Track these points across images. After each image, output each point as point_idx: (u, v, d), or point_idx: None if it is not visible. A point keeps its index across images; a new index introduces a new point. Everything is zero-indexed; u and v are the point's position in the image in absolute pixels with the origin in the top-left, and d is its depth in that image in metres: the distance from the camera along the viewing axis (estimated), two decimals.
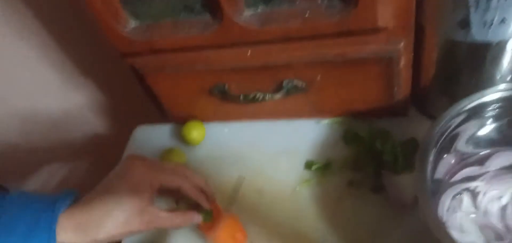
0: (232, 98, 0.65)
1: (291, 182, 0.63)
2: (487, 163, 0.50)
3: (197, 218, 0.54)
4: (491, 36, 0.47)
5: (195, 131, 0.70)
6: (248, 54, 0.58)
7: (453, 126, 0.48)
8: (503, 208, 0.48)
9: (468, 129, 0.49)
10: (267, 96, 0.63)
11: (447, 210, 0.49)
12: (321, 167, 0.63)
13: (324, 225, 0.58)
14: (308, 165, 0.64)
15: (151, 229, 0.50)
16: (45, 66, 0.90)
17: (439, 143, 0.47)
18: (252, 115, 0.71)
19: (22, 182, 1.05)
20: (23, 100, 0.93)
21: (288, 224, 0.59)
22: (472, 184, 0.50)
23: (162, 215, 0.50)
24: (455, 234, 0.46)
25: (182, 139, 0.72)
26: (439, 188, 0.49)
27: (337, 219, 0.58)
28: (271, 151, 0.68)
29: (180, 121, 0.74)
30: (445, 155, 0.49)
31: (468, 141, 0.50)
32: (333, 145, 0.65)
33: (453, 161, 0.50)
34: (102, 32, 0.57)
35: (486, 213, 0.48)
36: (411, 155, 0.58)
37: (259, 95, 0.63)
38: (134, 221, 0.47)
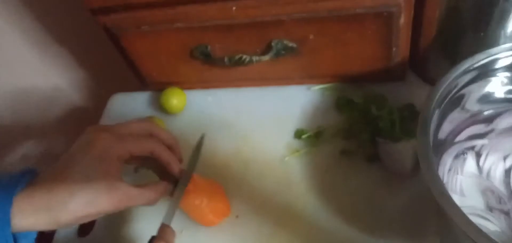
0: (216, 61, 0.60)
1: (280, 152, 0.59)
2: (496, 121, 0.46)
3: (169, 190, 0.49)
4: None
5: (175, 98, 0.65)
6: (233, 9, 0.52)
7: (459, 87, 0.44)
8: (508, 171, 0.45)
9: (474, 90, 0.45)
10: (255, 58, 0.58)
11: (449, 170, 0.45)
12: (312, 136, 0.58)
13: (314, 197, 0.54)
14: (298, 133, 0.59)
15: (121, 209, 0.43)
16: (18, 37, 0.85)
17: (444, 104, 0.43)
18: (238, 81, 0.66)
19: None
20: None
21: (276, 196, 0.55)
22: (478, 142, 0.47)
23: (133, 191, 0.44)
24: (455, 197, 0.43)
25: (161, 108, 0.67)
26: (441, 147, 0.46)
27: (329, 190, 0.54)
28: (258, 119, 0.63)
29: (159, 89, 0.69)
30: (451, 113, 0.45)
31: (477, 100, 0.46)
32: (325, 112, 0.61)
33: (460, 119, 0.46)
34: None
35: (489, 175, 0.45)
36: (408, 121, 0.54)
37: (246, 57, 0.58)
38: (101, 201, 0.41)
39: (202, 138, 0.55)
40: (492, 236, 0.33)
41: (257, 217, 0.54)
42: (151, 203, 0.46)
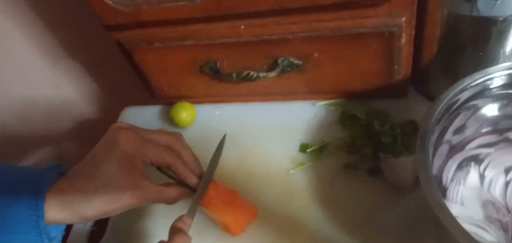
0: (224, 77, 0.62)
1: (285, 165, 0.61)
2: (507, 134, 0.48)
3: (189, 193, 0.50)
4: (497, 10, 0.45)
5: (184, 112, 0.67)
6: (241, 28, 0.55)
7: (458, 103, 0.45)
8: (507, 183, 0.46)
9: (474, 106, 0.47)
10: (261, 74, 0.60)
11: (451, 180, 0.46)
12: (316, 150, 0.60)
13: (318, 209, 0.55)
14: (303, 147, 0.61)
15: (143, 204, 0.46)
16: (33, 48, 0.87)
17: (443, 119, 0.45)
18: (245, 96, 0.68)
19: None
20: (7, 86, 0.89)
21: (280, 208, 0.57)
22: (483, 151, 0.48)
23: (155, 189, 0.46)
24: (455, 207, 0.44)
25: (171, 121, 0.69)
26: (449, 153, 0.47)
27: (332, 202, 0.55)
28: (264, 133, 0.65)
29: (169, 102, 0.71)
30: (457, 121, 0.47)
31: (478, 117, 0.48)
32: (329, 127, 0.62)
33: (467, 130, 0.48)
34: (88, 2, 0.54)
35: (490, 187, 0.46)
36: (410, 136, 0.55)
37: (253, 74, 0.60)
38: (125, 197, 0.43)
39: (223, 138, 0.56)
40: None
41: (261, 228, 0.55)
42: (170, 201, 0.48)
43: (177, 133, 0.50)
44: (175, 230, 0.45)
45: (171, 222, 0.59)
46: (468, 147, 0.48)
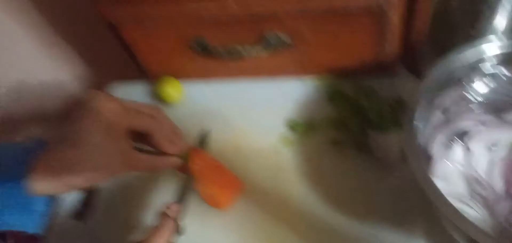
0: (213, 53, 0.61)
1: (273, 142, 0.61)
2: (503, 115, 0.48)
3: (176, 161, 0.50)
4: None
5: (170, 87, 0.66)
6: (230, 3, 0.54)
7: (447, 79, 0.46)
8: (491, 160, 0.47)
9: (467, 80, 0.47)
10: (251, 51, 0.59)
11: (437, 155, 0.47)
12: (305, 126, 0.60)
13: (306, 185, 0.56)
14: (291, 124, 0.61)
15: (131, 172, 0.46)
16: (22, 30, 0.85)
17: (432, 95, 0.45)
18: (234, 73, 0.68)
19: None
20: None
21: (269, 184, 0.57)
22: (471, 127, 0.48)
23: (143, 158, 0.46)
24: (440, 183, 0.44)
25: (159, 98, 0.68)
26: (434, 129, 0.48)
27: (320, 178, 0.56)
28: (252, 110, 0.65)
29: (157, 79, 0.70)
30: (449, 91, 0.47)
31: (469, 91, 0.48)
32: (317, 104, 0.62)
33: (456, 106, 0.48)
34: None
35: (474, 163, 0.47)
36: (398, 114, 0.56)
37: (242, 50, 0.60)
38: (113, 165, 0.43)
39: (207, 134, 0.58)
40: (473, 221, 0.35)
41: (249, 204, 0.56)
42: (157, 169, 0.48)
43: (157, 105, 0.50)
44: (163, 216, 0.45)
45: (160, 197, 0.59)
46: (456, 122, 0.49)
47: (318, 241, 0.51)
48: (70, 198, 0.63)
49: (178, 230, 0.47)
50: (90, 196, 0.63)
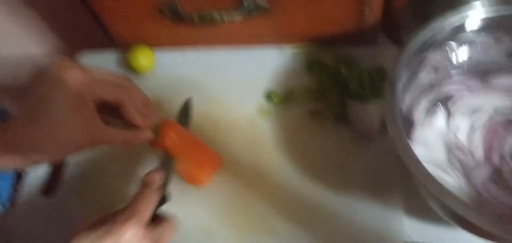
0: (186, 19, 0.58)
1: (250, 113, 0.58)
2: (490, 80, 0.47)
3: (148, 134, 0.47)
4: None
5: (142, 56, 0.63)
6: None
7: (429, 46, 0.44)
8: (473, 127, 0.46)
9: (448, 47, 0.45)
10: (226, 17, 0.56)
11: (419, 121, 0.46)
12: (283, 97, 0.58)
13: (284, 157, 0.54)
14: (269, 95, 0.59)
15: (98, 146, 0.43)
16: None
17: (414, 61, 0.43)
18: (209, 41, 0.64)
19: None
20: None
21: (246, 157, 0.55)
22: (455, 92, 0.47)
23: (110, 130, 0.43)
24: (420, 149, 0.44)
25: (130, 67, 0.64)
26: (423, 91, 0.47)
27: (298, 150, 0.54)
28: (229, 81, 0.62)
29: (127, 47, 0.66)
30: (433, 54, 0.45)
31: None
32: (296, 74, 0.60)
33: (439, 72, 0.47)
34: None
35: (455, 130, 0.46)
36: (378, 83, 0.54)
37: (217, 15, 0.56)
38: (79, 140, 0.40)
39: (189, 101, 0.54)
40: (450, 189, 0.34)
41: (227, 178, 0.54)
42: (127, 143, 0.45)
43: (126, 74, 0.46)
44: (145, 184, 0.42)
45: (129, 170, 0.57)
46: (440, 87, 0.47)
47: (297, 213, 0.50)
48: (37, 173, 0.60)
49: (163, 199, 0.44)
50: (57, 170, 0.60)
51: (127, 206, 0.38)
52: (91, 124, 0.41)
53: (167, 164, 0.48)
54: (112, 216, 0.36)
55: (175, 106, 0.61)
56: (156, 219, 0.40)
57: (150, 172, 0.43)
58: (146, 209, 0.38)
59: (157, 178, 0.43)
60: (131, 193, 0.54)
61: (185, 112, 0.55)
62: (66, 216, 0.56)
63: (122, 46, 0.68)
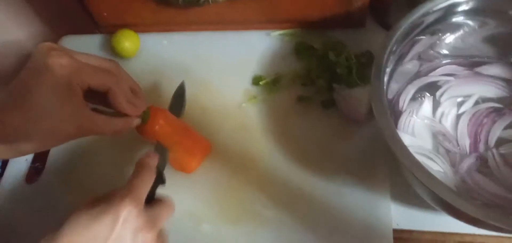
0: (170, 1, 0.56)
1: (237, 98, 0.58)
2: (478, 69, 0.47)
3: (137, 121, 0.46)
4: None
5: (127, 41, 0.61)
6: None
7: (417, 31, 0.43)
8: (459, 115, 0.46)
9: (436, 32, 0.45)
10: None
11: (406, 109, 0.46)
12: (270, 82, 0.57)
13: (271, 142, 0.54)
14: (256, 80, 0.58)
15: (85, 136, 0.41)
16: None
17: (401, 47, 0.43)
18: (195, 24, 0.63)
19: None
20: None
21: (233, 142, 0.54)
22: (442, 79, 0.47)
23: (99, 119, 0.41)
24: (406, 137, 0.43)
25: (113, 51, 0.63)
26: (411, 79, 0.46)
27: (285, 135, 0.54)
28: (216, 65, 0.61)
29: (112, 31, 0.64)
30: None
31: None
32: (283, 58, 0.59)
33: (427, 58, 0.46)
34: None
35: (441, 118, 0.46)
36: (365, 68, 0.53)
37: None
38: (66, 130, 0.39)
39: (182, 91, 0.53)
40: (435, 175, 0.34)
41: (215, 164, 0.53)
42: (116, 133, 0.43)
43: (113, 60, 0.45)
44: (140, 164, 0.41)
45: (114, 156, 0.56)
46: (427, 74, 0.47)
47: (284, 198, 0.50)
48: (20, 159, 0.58)
49: (160, 180, 0.43)
50: (40, 156, 0.58)
51: (124, 186, 0.37)
52: (79, 114, 0.39)
53: (162, 147, 0.47)
54: (108, 196, 0.35)
55: (161, 91, 0.60)
56: (153, 202, 0.39)
57: (145, 153, 0.42)
58: (142, 188, 0.38)
59: (152, 159, 0.42)
60: (115, 179, 0.54)
61: (178, 99, 0.54)
62: (50, 202, 0.54)
63: (107, 30, 0.66)
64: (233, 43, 0.62)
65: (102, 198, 0.35)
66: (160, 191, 0.42)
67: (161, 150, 0.47)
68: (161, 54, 0.63)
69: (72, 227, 0.33)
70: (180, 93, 0.54)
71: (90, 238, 0.33)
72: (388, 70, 0.41)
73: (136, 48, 0.63)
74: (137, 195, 0.36)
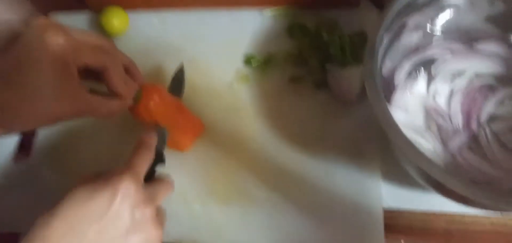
0: None
1: (229, 78, 0.57)
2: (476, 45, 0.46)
3: (130, 102, 0.45)
4: None
5: (116, 19, 0.60)
6: None
7: (413, 7, 0.43)
8: (452, 91, 0.46)
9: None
10: None
11: (400, 85, 0.45)
12: (262, 62, 0.56)
13: (262, 123, 0.53)
14: (248, 59, 0.57)
15: (80, 117, 0.40)
16: None
17: (396, 23, 0.42)
18: (186, 2, 0.62)
19: None
20: None
21: (224, 123, 0.54)
22: (438, 55, 0.47)
23: (95, 99, 0.40)
24: (399, 113, 0.43)
25: (102, 30, 0.61)
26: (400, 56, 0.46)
27: (277, 116, 0.53)
28: (207, 44, 0.60)
29: (99, 9, 0.63)
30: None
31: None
32: (276, 38, 0.58)
33: (422, 34, 0.46)
34: None
35: (435, 94, 0.46)
36: (359, 48, 0.53)
37: None
38: (61, 109, 0.37)
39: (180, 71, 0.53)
40: (425, 153, 0.33)
41: (206, 144, 0.53)
42: (112, 114, 0.42)
43: (108, 38, 0.43)
44: (139, 143, 0.40)
45: (102, 133, 0.55)
46: (424, 50, 0.47)
47: (275, 179, 0.50)
48: (7, 139, 0.57)
49: (159, 158, 0.42)
50: (28, 136, 0.57)
51: (124, 163, 0.37)
52: (75, 94, 0.38)
53: (161, 128, 0.47)
54: (106, 172, 0.35)
55: (151, 70, 0.59)
56: (153, 180, 0.39)
57: (144, 132, 0.42)
58: (140, 166, 0.38)
59: (151, 138, 0.41)
60: (104, 157, 0.54)
61: (177, 81, 0.53)
62: (38, 182, 0.54)
63: (95, 7, 0.64)
64: (225, 22, 0.61)
65: (100, 175, 0.35)
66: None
67: (161, 131, 0.47)
68: (151, 33, 0.62)
69: (69, 202, 0.33)
70: (179, 75, 0.53)
71: (88, 213, 0.33)
72: (382, 48, 0.41)
73: (125, 26, 0.61)
74: (136, 171, 0.36)
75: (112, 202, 0.33)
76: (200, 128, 0.53)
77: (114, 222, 0.33)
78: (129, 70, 0.45)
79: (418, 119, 0.45)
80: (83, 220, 0.32)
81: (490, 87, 0.46)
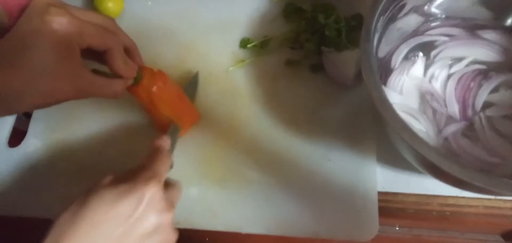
0: None
1: (224, 62, 0.56)
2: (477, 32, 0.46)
3: (130, 82, 0.44)
4: None
5: (110, 1, 0.59)
6: None
7: None
8: (449, 76, 0.46)
9: None
10: None
11: (397, 68, 0.45)
12: (258, 45, 0.56)
13: (258, 107, 0.53)
14: (244, 42, 0.57)
15: (82, 98, 0.40)
16: None
17: (392, 6, 0.42)
18: None
19: None
20: None
21: (220, 107, 0.54)
22: (438, 39, 0.46)
23: (98, 80, 0.40)
24: (394, 95, 0.43)
25: (95, 11, 0.60)
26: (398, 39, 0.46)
27: (273, 100, 0.53)
28: (202, 27, 0.59)
29: None
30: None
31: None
32: (272, 21, 0.58)
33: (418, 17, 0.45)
34: None
35: (431, 78, 0.45)
36: (355, 31, 0.53)
37: None
38: (64, 89, 0.37)
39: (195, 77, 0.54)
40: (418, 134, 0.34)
41: (201, 128, 0.53)
42: (116, 95, 0.42)
43: (111, 17, 0.43)
44: (158, 148, 0.40)
45: (98, 118, 0.54)
46: (424, 32, 0.46)
47: (271, 162, 0.50)
48: (2, 122, 0.56)
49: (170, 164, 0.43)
50: (25, 119, 0.57)
51: (145, 167, 0.37)
52: (78, 75, 0.38)
53: (174, 132, 0.47)
54: (132, 176, 0.36)
55: (145, 53, 0.58)
56: (166, 184, 0.40)
57: (159, 137, 0.42)
58: (163, 171, 0.38)
59: (167, 143, 0.42)
60: (100, 140, 0.53)
61: (192, 86, 0.54)
62: (32, 166, 0.53)
63: None
64: (221, 5, 0.60)
65: (125, 178, 0.35)
66: None
67: (174, 131, 0.47)
68: (146, 15, 0.61)
69: (96, 204, 0.34)
70: (193, 81, 0.55)
71: (114, 215, 0.33)
72: (378, 31, 0.41)
73: (119, 8, 0.60)
74: (160, 178, 0.37)
75: (138, 206, 0.34)
76: (196, 117, 0.53)
77: (138, 226, 0.34)
78: (129, 50, 0.44)
79: (413, 101, 0.45)
80: (110, 221, 0.33)
81: (485, 74, 0.46)
